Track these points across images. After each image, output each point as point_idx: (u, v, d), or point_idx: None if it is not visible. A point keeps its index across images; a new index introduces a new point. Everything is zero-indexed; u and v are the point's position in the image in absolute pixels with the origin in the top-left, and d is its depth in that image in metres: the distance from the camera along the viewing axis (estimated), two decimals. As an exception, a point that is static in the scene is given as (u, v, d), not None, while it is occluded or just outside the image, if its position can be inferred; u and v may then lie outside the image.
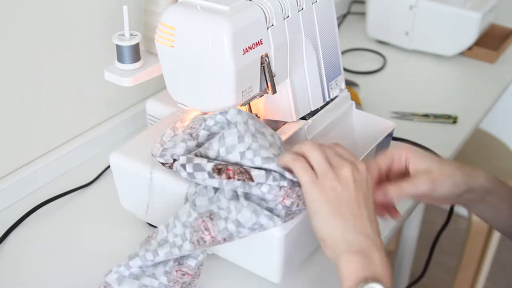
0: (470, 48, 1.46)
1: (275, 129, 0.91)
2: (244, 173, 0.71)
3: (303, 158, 0.70)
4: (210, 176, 0.71)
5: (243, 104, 0.83)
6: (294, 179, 0.71)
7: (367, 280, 0.62)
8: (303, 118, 0.92)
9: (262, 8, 0.79)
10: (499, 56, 1.48)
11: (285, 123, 0.91)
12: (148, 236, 0.77)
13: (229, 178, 0.70)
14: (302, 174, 0.68)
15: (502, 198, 0.77)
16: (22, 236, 0.92)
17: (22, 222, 0.94)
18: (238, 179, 0.70)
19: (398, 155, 0.75)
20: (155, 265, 0.77)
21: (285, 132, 0.89)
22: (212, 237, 0.72)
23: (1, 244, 0.90)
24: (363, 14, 1.62)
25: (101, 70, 0.91)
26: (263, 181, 0.70)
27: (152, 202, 0.86)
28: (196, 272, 0.78)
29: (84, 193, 1.00)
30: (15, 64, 0.92)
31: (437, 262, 2.15)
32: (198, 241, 0.72)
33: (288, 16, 0.82)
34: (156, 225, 0.90)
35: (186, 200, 0.78)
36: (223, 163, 0.72)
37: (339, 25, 1.57)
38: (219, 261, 0.86)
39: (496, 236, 1.83)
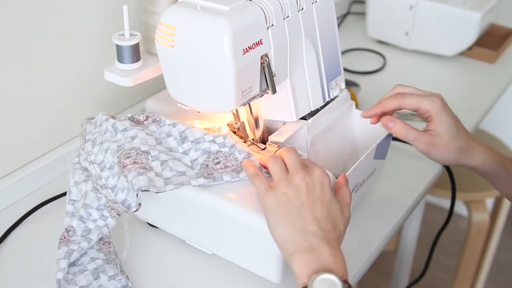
0: (470, 48, 1.46)
1: (275, 129, 0.91)
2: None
3: (261, 173, 0.76)
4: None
5: (243, 104, 0.83)
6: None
7: (318, 272, 0.65)
8: (303, 118, 0.92)
9: (262, 8, 0.79)
10: (499, 56, 1.48)
11: (285, 123, 0.91)
12: (62, 239, 0.81)
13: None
14: (258, 185, 0.75)
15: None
16: (22, 236, 0.92)
17: (22, 222, 0.94)
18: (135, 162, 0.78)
19: (425, 110, 0.87)
20: (84, 255, 0.81)
21: (285, 132, 0.89)
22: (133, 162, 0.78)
23: (1, 244, 0.90)
24: (363, 14, 1.62)
25: (101, 70, 0.91)
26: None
27: (153, 203, 0.86)
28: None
29: (84, 193, 1.00)
30: (15, 64, 0.92)
31: (437, 262, 2.15)
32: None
33: (288, 16, 0.82)
34: (156, 225, 0.90)
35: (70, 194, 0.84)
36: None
37: (339, 25, 1.57)
38: (219, 261, 0.86)
39: (496, 236, 1.83)
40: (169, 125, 0.84)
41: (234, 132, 0.90)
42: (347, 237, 0.93)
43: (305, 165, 0.76)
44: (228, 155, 0.82)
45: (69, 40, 0.98)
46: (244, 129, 0.89)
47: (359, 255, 0.90)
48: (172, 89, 0.86)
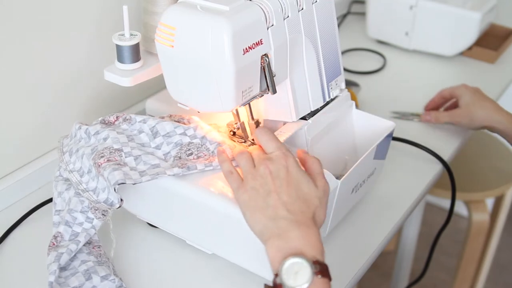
0: (470, 48, 1.46)
1: (275, 129, 0.91)
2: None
3: (234, 170, 0.77)
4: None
5: (243, 104, 0.83)
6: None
7: (288, 256, 0.66)
8: (303, 118, 0.92)
9: (262, 8, 0.79)
10: (499, 56, 1.48)
11: (285, 123, 0.91)
12: (50, 246, 0.82)
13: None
14: (232, 183, 0.76)
15: None
16: (22, 236, 0.92)
17: (22, 222, 0.94)
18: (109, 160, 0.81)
19: (448, 93, 1.20)
20: (75, 260, 0.82)
21: (285, 132, 0.89)
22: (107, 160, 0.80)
23: (1, 244, 0.90)
24: (363, 14, 1.62)
25: (101, 70, 0.91)
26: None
27: (152, 203, 0.86)
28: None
29: (84, 193, 1.00)
30: (14, 64, 0.92)
31: (437, 262, 2.15)
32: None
33: (288, 16, 0.82)
34: (156, 225, 0.90)
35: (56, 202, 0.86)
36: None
37: (339, 25, 1.57)
38: (219, 261, 0.86)
39: (496, 236, 1.83)
40: (139, 121, 0.86)
41: (234, 133, 0.90)
42: (347, 237, 0.93)
43: (270, 151, 0.77)
44: (200, 145, 0.84)
45: (69, 40, 0.98)
46: (244, 129, 0.89)
47: (359, 255, 0.90)
48: (172, 89, 0.86)
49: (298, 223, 0.69)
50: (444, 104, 1.21)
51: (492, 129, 1.11)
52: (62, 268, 0.81)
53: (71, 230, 0.84)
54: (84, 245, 0.84)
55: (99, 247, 0.85)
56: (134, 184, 0.78)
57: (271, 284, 0.67)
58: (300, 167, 0.75)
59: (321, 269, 0.66)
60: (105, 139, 0.83)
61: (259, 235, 0.71)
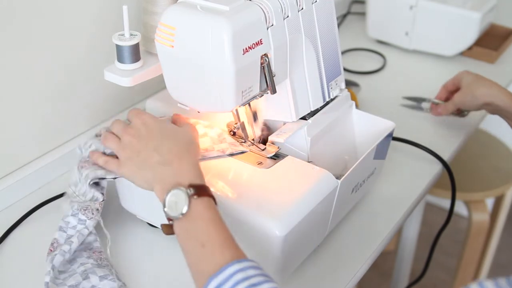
0: (470, 48, 1.46)
1: (275, 129, 0.91)
2: None
3: (107, 158, 0.82)
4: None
5: (243, 104, 0.83)
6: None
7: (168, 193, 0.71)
8: (303, 118, 0.92)
9: (262, 8, 0.79)
10: (499, 56, 1.48)
11: (285, 123, 0.91)
12: (48, 252, 0.84)
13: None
14: (112, 168, 0.80)
15: None
16: (22, 236, 0.92)
17: (22, 222, 0.94)
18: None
19: (451, 83, 1.19)
20: (74, 263, 0.83)
21: (285, 132, 0.89)
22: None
23: (1, 244, 0.90)
24: (363, 14, 1.62)
25: (101, 70, 0.91)
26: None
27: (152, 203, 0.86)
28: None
29: (84, 193, 1.00)
30: (14, 64, 0.92)
31: (437, 262, 2.15)
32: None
33: (288, 16, 0.82)
34: (156, 226, 0.90)
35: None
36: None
37: (339, 25, 1.57)
38: (219, 261, 0.86)
39: (496, 236, 1.83)
40: None
41: (234, 133, 0.90)
42: (347, 237, 0.93)
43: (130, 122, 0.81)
44: None
45: (69, 40, 0.98)
46: (244, 129, 0.89)
47: (359, 255, 0.90)
48: (172, 89, 0.86)
49: (170, 161, 0.74)
50: (450, 97, 1.20)
51: (492, 106, 1.10)
52: (61, 271, 0.82)
53: (66, 234, 0.85)
54: (84, 250, 0.85)
55: (100, 252, 0.86)
56: (115, 178, 0.83)
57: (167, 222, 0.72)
58: (156, 117, 0.80)
59: (196, 191, 0.70)
60: (90, 145, 0.86)
61: (150, 190, 0.76)
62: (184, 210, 0.69)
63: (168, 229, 0.71)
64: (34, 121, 0.99)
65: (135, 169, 0.77)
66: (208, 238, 0.68)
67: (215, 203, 0.72)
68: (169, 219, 0.71)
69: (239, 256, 0.66)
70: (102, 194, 0.86)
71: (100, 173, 0.82)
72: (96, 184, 0.85)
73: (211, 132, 0.89)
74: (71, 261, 0.84)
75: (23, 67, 0.93)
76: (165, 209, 0.70)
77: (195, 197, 0.70)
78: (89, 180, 0.83)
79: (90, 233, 0.86)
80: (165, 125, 0.79)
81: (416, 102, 1.27)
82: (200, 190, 0.71)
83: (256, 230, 0.76)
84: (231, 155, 0.86)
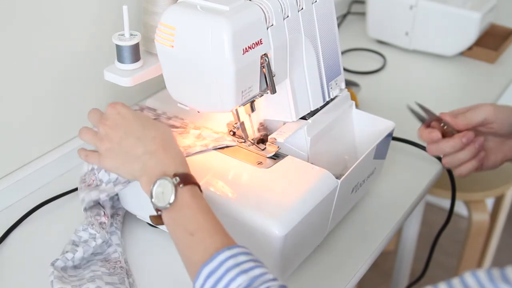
0: (470, 48, 1.46)
1: (275, 129, 0.91)
2: None
3: (87, 152, 0.81)
4: None
5: (243, 104, 0.83)
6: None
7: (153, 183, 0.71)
8: (303, 118, 0.92)
9: (262, 8, 0.79)
10: (499, 56, 1.48)
11: (285, 123, 0.91)
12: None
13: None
14: (94, 161, 0.79)
15: None
16: (22, 236, 0.92)
17: (22, 222, 0.94)
18: None
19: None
20: (86, 268, 0.84)
21: (285, 132, 0.89)
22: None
23: (1, 244, 0.90)
24: (363, 14, 1.62)
25: (101, 70, 0.91)
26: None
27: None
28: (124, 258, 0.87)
29: (84, 193, 1.00)
30: (14, 64, 0.92)
31: (437, 262, 2.15)
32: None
33: (288, 16, 0.82)
34: (157, 226, 0.90)
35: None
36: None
37: (339, 25, 1.57)
38: (219, 261, 0.86)
39: (496, 236, 1.83)
40: None
41: (234, 133, 0.90)
42: (347, 237, 0.93)
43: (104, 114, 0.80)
44: None
45: (69, 40, 0.98)
46: (244, 129, 0.89)
47: (359, 255, 0.90)
48: (172, 89, 0.86)
49: (155, 150, 0.73)
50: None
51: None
52: (71, 275, 0.81)
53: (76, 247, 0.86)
54: (100, 260, 0.85)
55: (115, 262, 0.85)
56: (108, 196, 0.84)
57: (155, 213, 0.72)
58: (129, 107, 0.79)
59: (182, 179, 0.70)
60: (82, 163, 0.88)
61: (134, 180, 0.76)
62: (171, 199, 0.69)
63: (157, 219, 0.72)
64: (34, 121, 0.99)
65: (118, 160, 0.76)
66: (197, 226, 0.68)
67: (201, 191, 0.72)
68: (157, 210, 0.71)
69: (229, 243, 0.67)
70: (103, 208, 0.87)
71: (93, 194, 0.83)
72: (96, 202, 0.87)
73: (191, 132, 0.90)
74: (84, 267, 0.84)
75: (23, 67, 0.93)
76: (153, 200, 0.71)
77: (181, 185, 0.70)
78: (84, 205, 0.84)
79: (111, 244, 0.87)
80: (140, 114, 0.79)
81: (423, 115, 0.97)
82: (186, 179, 0.71)
83: (256, 230, 0.76)
84: (216, 149, 0.87)
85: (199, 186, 0.72)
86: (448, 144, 0.88)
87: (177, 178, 0.70)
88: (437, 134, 0.89)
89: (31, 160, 1.01)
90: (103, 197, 0.83)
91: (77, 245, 0.86)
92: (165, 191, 0.70)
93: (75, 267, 0.83)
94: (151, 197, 0.71)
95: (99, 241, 0.85)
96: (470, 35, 1.41)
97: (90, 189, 0.84)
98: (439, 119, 0.90)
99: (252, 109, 0.89)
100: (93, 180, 0.85)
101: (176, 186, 0.70)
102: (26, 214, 0.94)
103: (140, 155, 0.74)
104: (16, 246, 0.90)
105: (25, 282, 0.84)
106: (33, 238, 0.91)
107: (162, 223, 0.72)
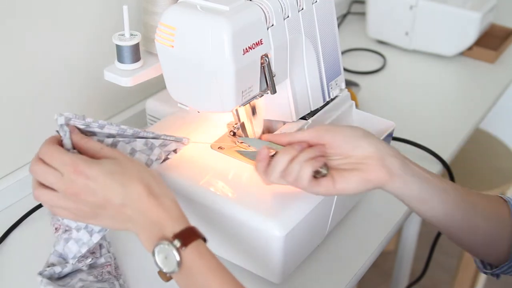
0: (470, 48, 1.46)
1: (275, 129, 0.91)
2: None
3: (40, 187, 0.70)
4: None
5: (243, 104, 0.83)
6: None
7: (153, 248, 0.66)
8: (303, 118, 0.92)
9: (262, 8, 0.79)
10: (499, 56, 1.48)
11: (285, 123, 0.91)
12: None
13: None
14: (46, 200, 0.70)
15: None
16: (22, 236, 0.92)
17: (22, 222, 0.94)
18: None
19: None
20: (73, 277, 0.81)
21: (285, 132, 0.89)
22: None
23: (1, 244, 0.90)
24: (363, 14, 1.62)
25: (101, 70, 0.91)
26: None
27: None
28: (114, 262, 0.84)
29: (84, 193, 1.00)
30: (13, 64, 0.92)
31: (437, 262, 2.15)
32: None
33: (288, 16, 0.82)
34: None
35: None
36: None
37: (339, 25, 1.57)
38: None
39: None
40: None
41: (234, 133, 0.90)
42: (347, 237, 0.93)
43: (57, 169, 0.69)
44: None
45: (69, 40, 0.98)
46: (244, 129, 0.89)
47: (359, 255, 0.90)
48: (172, 89, 0.86)
49: (145, 209, 0.67)
50: None
51: None
52: (61, 285, 0.80)
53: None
54: (88, 267, 0.83)
55: (102, 267, 0.83)
56: (89, 245, 0.78)
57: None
58: (91, 162, 0.68)
59: (183, 240, 0.64)
60: None
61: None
62: (177, 265, 0.64)
63: (166, 277, 0.67)
64: (34, 121, 0.99)
65: (103, 222, 0.70)
66: (210, 287, 0.65)
67: (205, 240, 0.67)
68: (165, 273, 0.67)
69: None
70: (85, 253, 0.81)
71: (75, 249, 0.77)
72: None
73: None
74: (72, 276, 0.82)
75: (23, 67, 0.93)
76: (159, 264, 0.66)
77: (183, 248, 0.64)
78: (72, 260, 0.79)
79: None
80: (112, 166, 0.68)
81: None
82: (186, 237, 0.65)
83: (256, 230, 0.76)
84: (167, 158, 0.82)
85: (203, 238, 0.67)
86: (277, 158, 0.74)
87: (177, 240, 0.64)
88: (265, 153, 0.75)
89: (31, 160, 1.00)
90: (84, 249, 0.77)
91: (64, 259, 0.81)
92: (168, 256, 0.65)
93: (62, 277, 0.82)
94: (155, 260, 0.66)
95: (86, 268, 0.82)
96: (470, 35, 1.41)
97: (65, 239, 0.78)
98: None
99: (254, 113, 0.89)
100: (60, 226, 0.78)
101: (179, 250, 0.64)
102: (26, 214, 0.94)
103: (130, 216, 0.68)
104: (16, 246, 0.90)
105: (25, 282, 0.84)
106: (33, 238, 0.91)
107: (171, 278, 0.67)
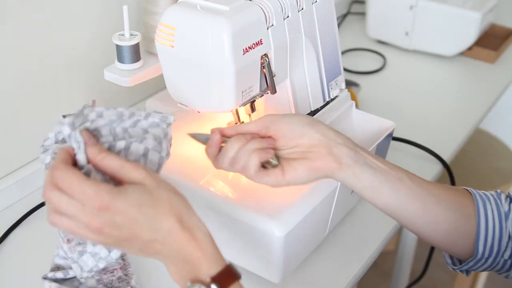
0: (470, 48, 1.46)
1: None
2: None
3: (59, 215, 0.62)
4: None
5: (243, 104, 0.83)
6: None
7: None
8: (303, 118, 0.92)
9: (262, 8, 0.79)
10: (499, 56, 1.48)
11: (285, 123, 0.91)
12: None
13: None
14: (66, 228, 0.62)
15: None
16: (22, 236, 0.92)
17: (22, 222, 0.94)
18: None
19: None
20: (80, 285, 0.77)
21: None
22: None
23: (1, 244, 0.90)
24: (363, 14, 1.62)
25: (101, 70, 0.91)
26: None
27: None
28: (124, 263, 0.79)
29: (84, 193, 1.00)
30: (13, 63, 0.92)
31: (437, 262, 2.15)
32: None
33: (288, 16, 0.82)
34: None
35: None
36: None
37: (339, 25, 1.57)
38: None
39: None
40: None
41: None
42: (347, 237, 0.93)
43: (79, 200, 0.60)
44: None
45: (69, 40, 0.98)
46: (244, 129, 0.89)
47: (359, 255, 0.90)
48: (172, 89, 0.86)
49: (177, 247, 0.61)
50: None
51: None
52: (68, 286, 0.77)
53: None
54: (96, 273, 0.78)
55: (112, 272, 0.79)
56: (108, 261, 0.70)
57: None
58: (118, 193, 0.60)
59: (221, 284, 0.59)
60: None
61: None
62: None
63: None
64: (34, 121, 0.99)
65: (134, 252, 0.63)
66: None
67: (239, 277, 0.61)
68: None
69: None
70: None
71: (91, 263, 0.70)
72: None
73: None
74: (79, 283, 0.79)
75: (23, 67, 0.93)
76: None
77: None
78: (88, 272, 0.70)
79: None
80: (135, 196, 0.60)
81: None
82: (224, 280, 0.59)
83: (256, 230, 0.76)
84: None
85: (239, 276, 0.61)
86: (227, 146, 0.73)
87: (216, 285, 0.59)
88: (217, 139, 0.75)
89: (31, 160, 1.01)
90: (102, 266, 0.70)
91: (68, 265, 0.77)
92: None
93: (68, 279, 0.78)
94: None
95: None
96: (470, 35, 1.41)
97: (79, 252, 0.70)
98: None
99: (253, 109, 0.89)
100: (72, 238, 0.71)
101: None
102: (26, 214, 0.94)
103: (160, 250, 0.61)
104: (16, 246, 0.90)
105: (25, 282, 0.84)
106: (33, 238, 0.91)
107: None
